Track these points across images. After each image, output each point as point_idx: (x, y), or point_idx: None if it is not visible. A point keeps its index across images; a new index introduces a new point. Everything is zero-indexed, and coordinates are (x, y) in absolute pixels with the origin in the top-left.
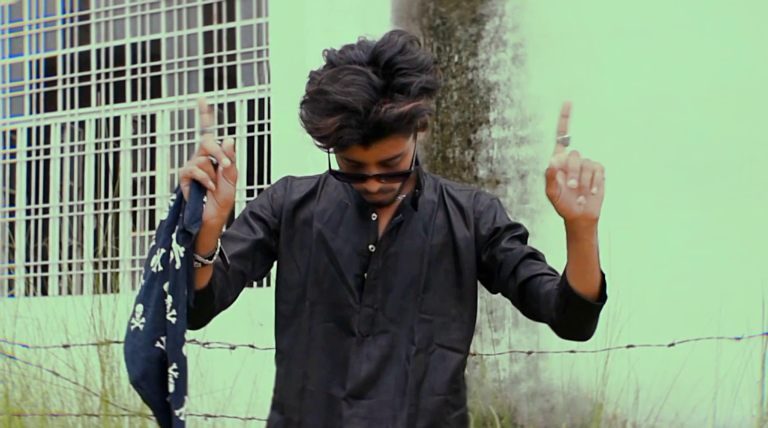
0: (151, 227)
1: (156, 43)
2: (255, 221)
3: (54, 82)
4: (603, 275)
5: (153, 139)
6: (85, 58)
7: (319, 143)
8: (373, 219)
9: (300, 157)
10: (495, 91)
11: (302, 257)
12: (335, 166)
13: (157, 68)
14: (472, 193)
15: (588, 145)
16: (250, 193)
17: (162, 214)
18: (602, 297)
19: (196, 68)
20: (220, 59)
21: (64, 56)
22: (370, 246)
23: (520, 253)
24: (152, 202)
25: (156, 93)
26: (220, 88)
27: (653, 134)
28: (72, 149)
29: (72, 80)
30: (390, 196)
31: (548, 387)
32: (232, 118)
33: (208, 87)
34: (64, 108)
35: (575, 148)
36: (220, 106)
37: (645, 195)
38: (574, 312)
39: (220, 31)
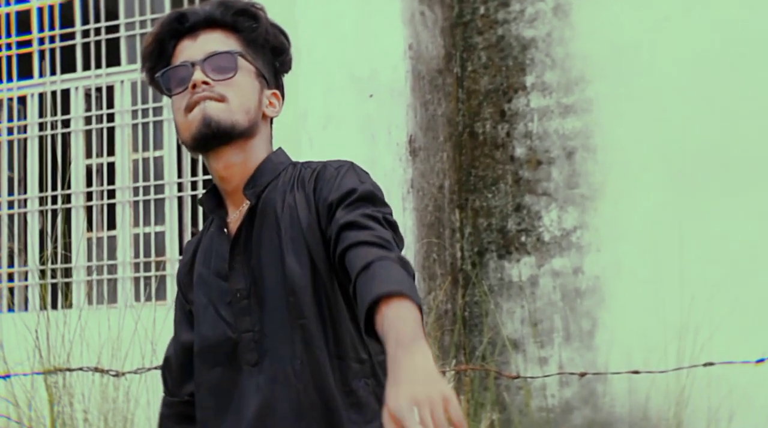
0: (111, 226)
1: None
2: (181, 315)
3: None
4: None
5: (111, 117)
6: (24, 18)
7: (150, 49)
8: (225, 232)
9: (296, 143)
10: (532, 49)
11: (194, 310)
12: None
13: (115, 29)
14: (316, 168)
15: (642, 117)
16: None
17: None
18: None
19: None
20: None
21: None
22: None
23: (336, 226)
24: (111, 194)
25: (113, 60)
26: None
27: (724, 102)
28: (10, 131)
29: (8, 46)
30: (221, 107)
31: (609, 417)
32: None
33: None
34: (0, 81)
35: (630, 118)
36: None
37: (719, 180)
38: None
39: None
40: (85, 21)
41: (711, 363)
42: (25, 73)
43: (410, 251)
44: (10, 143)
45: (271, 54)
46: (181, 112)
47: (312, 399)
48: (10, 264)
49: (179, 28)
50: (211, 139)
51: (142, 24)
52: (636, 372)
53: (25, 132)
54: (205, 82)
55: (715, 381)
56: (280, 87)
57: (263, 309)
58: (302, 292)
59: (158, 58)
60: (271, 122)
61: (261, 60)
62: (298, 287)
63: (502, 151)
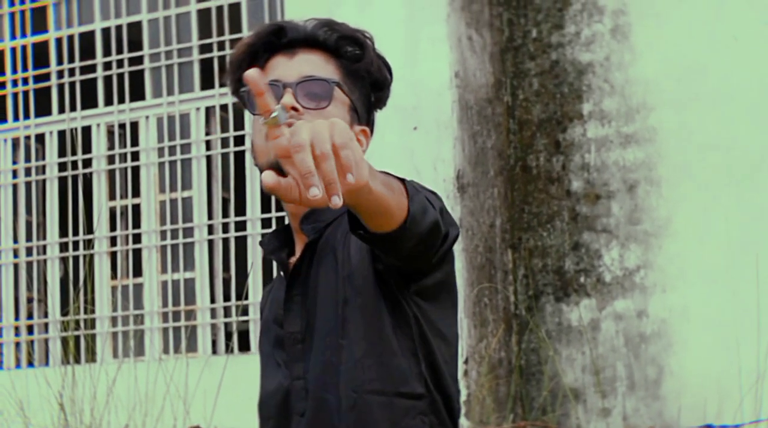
0: (136, 273)
1: (136, 28)
2: None
3: (1, 85)
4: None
5: (135, 156)
6: (41, 50)
7: (240, 59)
8: (282, 276)
9: None
10: (589, 74)
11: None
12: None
13: (138, 61)
14: None
15: (710, 146)
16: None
17: None
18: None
19: (189, 59)
20: (221, 46)
21: (13, 50)
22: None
23: None
24: (137, 239)
25: (137, 94)
26: (223, 84)
27: None
28: (28, 172)
29: (25, 81)
30: None
31: None
32: (240, 124)
33: (207, 83)
34: (16, 118)
35: (697, 148)
36: (224, 107)
37: None
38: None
39: (219, 8)
40: (106, 52)
41: None
42: (43, 109)
43: (459, 296)
44: (28, 185)
45: (370, 87)
46: (262, 136)
47: None
48: (30, 316)
49: (275, 41)
50: None
51: (168, 55)
52: (709, 427)
53: (43, 173)
54: (294, 108)
55: None
56: (370, 123)
57: (310, 353)
58: (353, 333)
59: (247, 69)
60: None
61: (358, 92)
62: (348, 328)
63: (558, 186)
